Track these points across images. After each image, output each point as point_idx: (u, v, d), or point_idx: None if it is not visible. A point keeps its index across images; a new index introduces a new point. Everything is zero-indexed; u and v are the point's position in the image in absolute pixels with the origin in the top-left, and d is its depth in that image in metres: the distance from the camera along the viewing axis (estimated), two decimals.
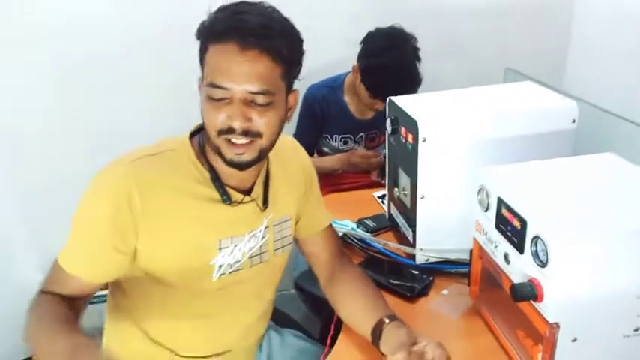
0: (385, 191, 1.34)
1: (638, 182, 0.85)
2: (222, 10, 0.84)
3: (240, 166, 0.86)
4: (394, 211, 1.28)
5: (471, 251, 1.00)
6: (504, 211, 0.85)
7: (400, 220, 1.23)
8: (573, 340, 0.78)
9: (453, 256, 1.12)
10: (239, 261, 0.94)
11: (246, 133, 0.83)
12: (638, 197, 0.81)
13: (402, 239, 1.22)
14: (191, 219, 0.88)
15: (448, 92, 1.20)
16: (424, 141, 1.04)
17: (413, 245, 1.15)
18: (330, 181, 1.86)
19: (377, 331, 0.89)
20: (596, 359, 0.81)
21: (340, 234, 1.24)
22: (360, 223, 1.32)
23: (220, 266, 0.92)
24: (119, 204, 0.83)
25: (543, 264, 0.75)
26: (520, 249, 0.81)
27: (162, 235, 0.86)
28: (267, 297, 1.05)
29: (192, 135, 0.93)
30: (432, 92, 1.21)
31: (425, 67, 1.58)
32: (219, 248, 0.91)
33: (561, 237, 0.73)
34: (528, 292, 0.77)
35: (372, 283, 1.03)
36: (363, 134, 1.79)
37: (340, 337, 0.98)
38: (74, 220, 0.85)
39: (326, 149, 1.83)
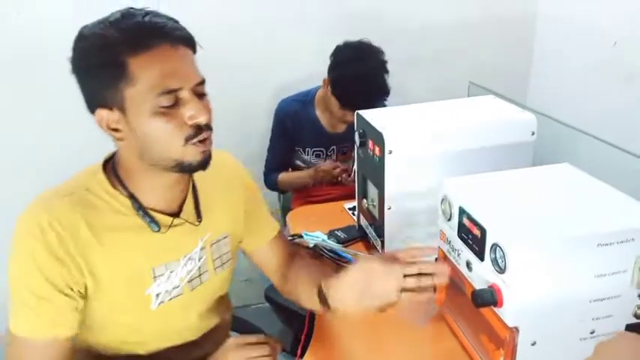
0: (355, 203, 1.36)
1: (592, 191, 0.89)
2: (121, 21, 0.77)
3: (207, 163, 0.84)
4: (364, 222, 1.30)
5: (436, 259, 1.03)
6: (465, 220, 0.88)
7: (369, 231, 1.26)
8: (533, 344, 0.81)
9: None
10: (177, 286, 0.91)
11: (207, 125, 0.82)
12: (592, 205, 0.85)
13: (372, 249, 1.24)
14: (119, 252, 0.84)
15: (413, 106, 1.24)
16: (390, 153, 1.07)
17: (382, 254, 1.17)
18: (303, 194, 1.89)
19: (321, 295, 0.90)
20: (558, 358, 0.84)
21: (311, 245, 1.26)
22: (331, 234, 1.34)
23: (158, 295, 0.89)
24: (48, 240, 0.79)
25: (502, 270, 0.78)
26: (481, 256, 0.84)
27: (95, 271, 0.83)
28: (216, 313, 1.03)
29: (106, 163, 0.88)
30: (398, 106, 1.25)
31: (393, 81, 1.63)
32: (154, 277, 0.88)
33: (518, 244, 0.76)
34: (489, 297, 0.80)
35: (318, 265, 1.08)
36: (334, 147, 1.82)
37: (310, 347, 1.00)
38: (12, 282, 0.81)
39: (299, 162, 1.86)
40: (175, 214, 0.90)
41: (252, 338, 0.88)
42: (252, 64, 1.96)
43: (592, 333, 0.83)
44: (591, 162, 1.05)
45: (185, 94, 0.79)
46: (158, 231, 0.87)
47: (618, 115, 1.71)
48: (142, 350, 0.93)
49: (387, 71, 1.62)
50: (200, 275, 0.95)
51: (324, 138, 1.80)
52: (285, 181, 1.86)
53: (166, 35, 0.78)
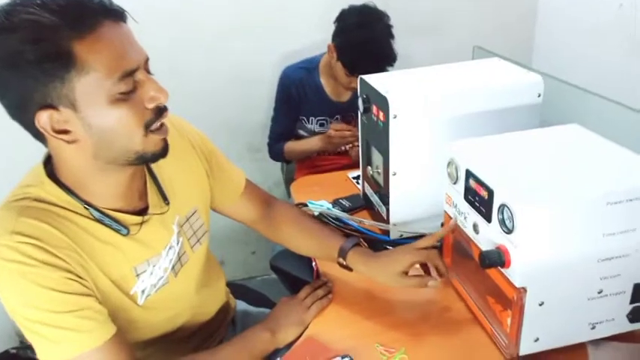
0: (360, 172, 1.35)
1: (601, 150, 0.88)
2: (52, 2, 0.66)
3: (167, 151, 0.79)
4: (368, 190, 1.29)
5: (442, 224, 1.02)
6: (472, 183, 0.87)
7: (374, 199, 1.25)
8: (540, 304, 0.81)
9: (426, 230, 1.14)
10: (162, 277, 0.89)
11: (166, 107, 0.76)
12: (601, 164, 0.84)
13: (377, 217, 1.24)
14: (97, 257, 0.79)
15: (418, 70, 1.22)
16: (394, 117, 1.05)
17: (387, 222, 1.17)
18: (307, 164, 1.88)
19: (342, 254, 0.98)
20: (563, 321, 0.84)
21: (316, 213, 1.25)
22: (336, 203, 1.33)
23: (143, 291, 0.86)
24: (30, 254, 0.71)
25: (510, 231, 0.78)
26: (488, 218, 0.83)
27: (81, 276, 0.77)
28: (207, 285, 1.02)
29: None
30: (402, 70, 1.23)
31: (397, 45, 1.60)
32: (137, 275, 0.85)
33: (526, 204, 0.75)
34: (496, 258, 0.80)
35: (309, 216, 1.12)
36: (338, 116, 1.80)
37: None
38: (23, 318, 0.73)
39: (302, 132, 1.84)
40: (141, 210, 0.86)
41: (303, 293, 1.01)
42: (255, 32, 1.93)
43: (600, 293, 0.82)
44: (599, 122, 1.03)
45: (141, 74, 0.73)
46: (127, 234, 0.82)
47: (623, 77, 1.68)
48: (141, 340, 0.91)
49: (392, 36, 1.59)
50: (180, 259, 0.93)
51: (328, 107, 1.78)
52: (293, 150, 1.83)
53: (107, 12, 0.70)
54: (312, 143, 1.78)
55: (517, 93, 1.11)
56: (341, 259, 0.99)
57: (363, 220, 1.21)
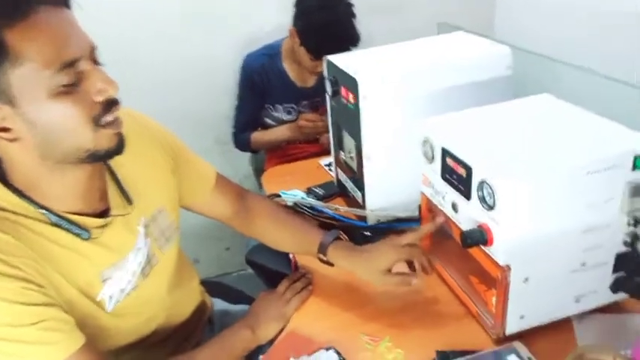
0: (332, 158, 1.32)
1: (575, 119, 0.86)
2: None
3: (122, 146, 0.73)
4: (342, 177, 1.26)
5: (420, 206, 1.00)
6: (449, 161, 0.84)
7: (349, 185, 1.22)
8: (525, 281, 0.79)
9: (403, 214, 1.11)
10: (130, 281, 0.83)
11: (117, 100, 0.71)
12: (577, 134, 0.82)
13: (353, 203, 1.20)
14: (60, 265, 0.74)
15: (385, 48, 1.18)
16: (365, 98, 1.02)
17: (363, 207, 1.14)
18: (277, 154, 1.83)
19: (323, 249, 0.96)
20: (548, 296, 0.82)
21: (290, 203, 1.21)
22: (309, 191, 1.30)
23: (111, 297, 0.80)
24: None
25: (491, 207, 0.75)
26: (467, 196, 0.81)
27: (43, 285, 0.71)
28: (179, 286, 0.96)
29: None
30: (368, 49, 1.19)
31: (360, 25, 1.56)
32: (103, 281, 0.79)
33: (507, 178, 0.72)
34: (478, 236, 0.77)
35: (285, 209, 1.08)
36: (305, 102, 1.76)
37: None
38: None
39: (269, 120, 1.79)
40: (103, 212, 0.80)
41: (282, 286, 0.99)
42: (212, 19, 1.86)
43: (583, 265, 0.81)
44: (569, 91, 1.02)
45: (86, 64, 0.67)
46: (89, 238, 0.76)
47: (584, 49, 1.67)
48: (113, 348, 0.85)
49: (354, 16, 1.55)
50: (149, 261, 0.87)
51: (294, 93, 1.73)
52: (260, 140, 1.78)
53: None
54: (279, 133, 1.74)
55: (486, 66, 1.09)
56: (321, 255, 0.96)
57: (339, 207, 1.18)
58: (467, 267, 0.89)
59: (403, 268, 0.95)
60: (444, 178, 0.87)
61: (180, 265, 0.97)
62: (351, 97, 1.06)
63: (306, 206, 1.20)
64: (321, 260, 0.97)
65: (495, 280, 0.79)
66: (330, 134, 1.27)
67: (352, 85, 1.03)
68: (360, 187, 1.13)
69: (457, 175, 0.82)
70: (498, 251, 0.76)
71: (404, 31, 1.52)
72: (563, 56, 1.29)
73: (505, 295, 0.79)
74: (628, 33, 1.51)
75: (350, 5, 1.55)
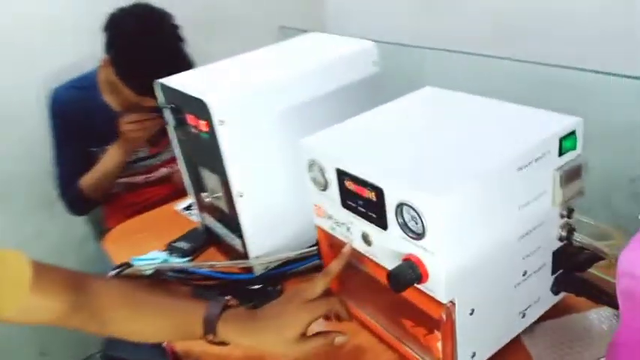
0: (192, 199, 1.07)
1: (478, 110, 0.73)
2: None
3: None
4: (210, 221, 1.02)
5: (318, 243, 0.80)
6: (349, 184, 0.66)
7: (221, 231, 0.98)
8: (471, 313, 0.63)
9: (294, 254, 0.91)
10: None
11: None
12: (488, 127, 0.69)
13: (231, 252, 0.97)
14: None
15: (229, 61, 0.97)
16: (222, 124, 0.79)
17: (245, 256, 0.91)
18: (117, 205, 1.50)
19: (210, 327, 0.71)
20: (495, 322, 0.68)
21: (149, 272, 0.94)
22: (171, 248, 1.03)
23: None
24: None
25: (419, 235, 0.58)
26: (382, 225, 0.63)
27: None
28: None
29: None
30: (209, 65, 0.97)
31: (191, 48, 1.31)
32: None
33: (432, 195, 0.56)
34: (411, 275, 0.60)
35: (145, 286, 0.81)
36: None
37: None
38: None
39: None
40: None
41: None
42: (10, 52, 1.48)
43: (524, 275, 0.68)
44: (441, 76, 0.91)
45: None
46: None
47: (413, 34, 1.62)
48: None
49: (182, 39, 1.29)
50: None
51: None
52: (91, 181, 1.39)
53: None
54: (108, 159, 1.36)
55: (354, 65, 0.94)
56: (210, 336, 0.71)
57: (215, 263, 0.93)
58: (394, 307, 0.72)
59: (318, 323, 0.75)
60: (345, 206, 0.69)
61: None
62: (202, 124, 0.83)
63: (173, 271, 0.94)
64: (212, 342, 0.72)
65: (439, 321, 0.63)
66: (184, 173, 1.02)
67: (201, 109, 0.80)
68: (237, 231, 0.91)
69: (364, 201, 0.64)
70: (438, 287, 0.60)
71: (244, 41, 1.32)
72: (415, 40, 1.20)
73: (452, 336, 0.63)
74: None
75: (175, 27, 1.28)
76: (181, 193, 1.29)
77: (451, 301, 0.61)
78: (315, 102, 0.88)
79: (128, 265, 0.94)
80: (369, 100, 0.84)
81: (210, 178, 0.92)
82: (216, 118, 0.79)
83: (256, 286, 0.90)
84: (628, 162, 1.08)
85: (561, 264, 0.71)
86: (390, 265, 0.64)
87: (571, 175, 0.65)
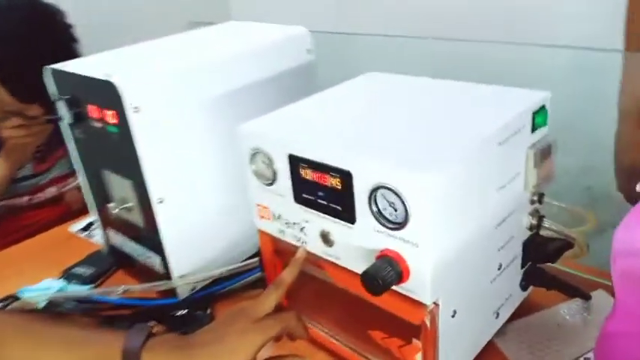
0: (91, 218, 0.89)
1: (429, 90, 0.67)
2: None
3: None
4: (117, 240, 0.85)
5: (259, 252, 0.68)
6: (305, 173, 0.55)
7: (134, 249, 0.81)
8: (453, 315, 0.55)
9: (228, 269, 0.78)
10: None
11: None
12: (452, 106, 0.62)
13: (146, 274, 0.80)
14: None
15: (141, 45, 0.83)
16: (137, 112, 0.65)
17: (167, 276, 0.76)
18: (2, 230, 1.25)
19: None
20: (472, 324, 0.60)
21: (41, 305, 0.75)
22: (69, 275, 0.84)
23: None
24: None
25: (399, 225, 0.49)
26: (349, 218, 0.53)
27: None
28: None
29: None
30: (117, 49, 0.82)
31: (85, 48, 1.13)
32: None
33: (418, 172, 0.47)
34: (390, 274, 0.50)
35: (43, 319, 0.62)
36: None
37: None
38: None
39: None
40: None
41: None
42: None
43: (499, 269, 0.61)
44: (379, 61, 0.85)
45: None
46: None
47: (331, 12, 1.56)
48: None
49: (75, 39, 1.11)
50: None
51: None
52: None
53: None
54: None
55: (287, 52, 0.84)
56: None
57: (129, 287, 0.77)
58: (357, 319, 0.62)
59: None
60: (299, 201, 0.57)
61: None
62: (109, 115, 0.68)
63: (72, 301, 0.76)
64: None
65: (419, 327, 0.53)
66: (83, 184, 0.84)
67: (108, 96, 0.65)
68: (155, 246, 0.75)
69: (325, 191, 0.54)
70: (421, 285, 0.50)
71: (151, 34, 1.18)
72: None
73: (435, 344, 0.54)
74: None
75: (69, 26, 1.11)
76: (76, 215, 1.10)
77: (434, 303, 0.52)
78: (246, 90, 0.77)
79: (15, 297, 0.74)
80: (304, 90, 0.74)
81: (118, 185, 0.76)
82: (128, 105, 0.64)
83: (182, 312, 0.75)
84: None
85: (531, 255, 0.66)
86: (358, 266, 0.54)
87: (544, 153, 0.60)
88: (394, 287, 0.51)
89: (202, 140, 0.73)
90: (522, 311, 0.69)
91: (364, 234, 0.52)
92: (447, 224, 0.50)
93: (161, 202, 0.70)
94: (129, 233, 0.81)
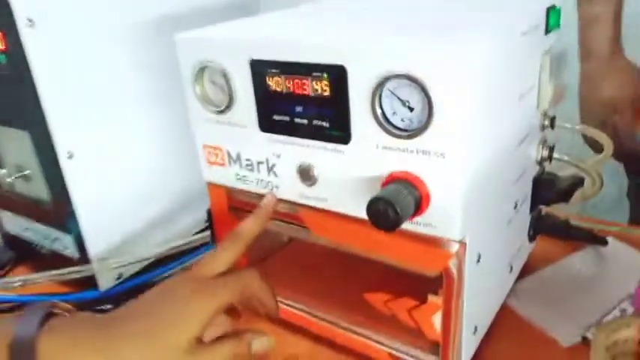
0: None
1: None
2: None
3: None
4: (15, 225, 0.65)
5: (209, 210, 0.52)
6: (276, 82, 0.40)
7: (36, 234, 0.62)
8: (478, 260, 0.42)
9: (166, 248, 0.61)
10: None
11: None
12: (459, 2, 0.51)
13: (56, 263, 0.61)
14: None
15: None
16: (31, 25, 0.47)
17: (84, 260, 0.57)
18: None
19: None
20: (494, 274, 0.48)
21: None
22: None
23: None
24: None
25: (416, 131, 0.36)
26: (341, 135, 0.39)
27: None
28: None
29: None
30: None
31: None
32: None
33: (449, 49, 0.34)
34: (407, 199, 0.36)
35: None
36: None
37: None
38: None
39: None
40: None
41: None
42: None
43: (515, 207, 0.50)
44: None
45: None
46: None
47: None
48: None
49: None
50: None
51: None
52: None
53: None
54: None
55: None
56: None
57: (29, 277, 0.57)
58: (349, 286, 0.48)
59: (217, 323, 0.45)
60: (267, 127, 0.43)
61: None
62: None
63: None
64: None
65: (440, 277, 0.40)
66: None
67: None
68: (66, 223, 0.57)
69: (304, 104, 0.40)
70: (448, 215, 0.37)
71: None
72: None
73: (460, 298, 0.41)
74: None
75: None
76: None
77: (461, 241, 0.39)
78: (187, 18, 0.61)
79: None
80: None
81: (11, 143, 0.57)
82: (21, 15, 0.47)
83: (106, 307, 0.57)
84: None
85: (542, 194, 0.55)
86: (354, 206, 0.40)
87: (559, 60, 0.50)
88: (405, 225, 0.38)
89: (127, 75, 0.56)
90: (528, 268, 0.58)
91: (363, 156, 0.39)
92: (477, 128, 0.37)
93: (71, 157, 0.52)
94: (29, 212, 0.62)
